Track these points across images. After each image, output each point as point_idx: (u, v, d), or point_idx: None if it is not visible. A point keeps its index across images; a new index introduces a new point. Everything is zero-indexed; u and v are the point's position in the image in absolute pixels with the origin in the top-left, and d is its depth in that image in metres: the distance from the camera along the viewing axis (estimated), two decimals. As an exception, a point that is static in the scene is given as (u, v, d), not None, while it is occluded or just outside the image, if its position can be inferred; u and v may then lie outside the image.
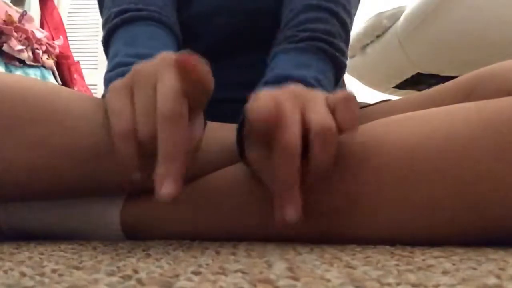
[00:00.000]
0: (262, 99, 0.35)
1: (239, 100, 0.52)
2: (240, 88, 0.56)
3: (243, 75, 0.57)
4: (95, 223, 0.45)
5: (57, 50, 1.84)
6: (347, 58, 0.53)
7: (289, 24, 0.52)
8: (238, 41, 0.60)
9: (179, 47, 0.55)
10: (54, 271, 0.25)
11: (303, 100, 0.37)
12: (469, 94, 0.45)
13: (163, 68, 0.35)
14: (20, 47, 1.60)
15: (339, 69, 0.51)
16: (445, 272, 0.24)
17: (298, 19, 0.51)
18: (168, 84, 0.34)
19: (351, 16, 0.55)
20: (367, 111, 0.56)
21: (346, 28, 0.53)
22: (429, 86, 0.53)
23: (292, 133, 0.34)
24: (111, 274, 0.24)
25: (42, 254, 0.33)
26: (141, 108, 0.35)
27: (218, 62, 0.61)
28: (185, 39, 0.59)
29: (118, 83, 0.37)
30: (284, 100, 0.36)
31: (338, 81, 0.53)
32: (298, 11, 0.52)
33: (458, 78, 0.50)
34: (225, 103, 0.54)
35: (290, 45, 0.50)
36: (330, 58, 0.50)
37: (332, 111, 0.36)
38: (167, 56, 0.36)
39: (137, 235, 0.45)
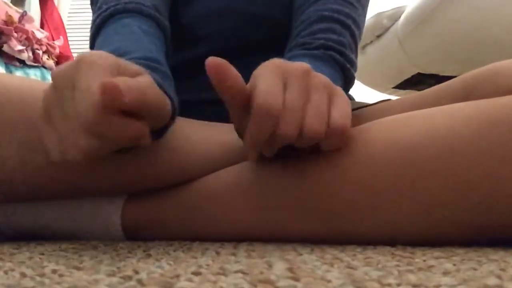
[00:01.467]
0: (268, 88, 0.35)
1: None
2: None
3: (243, 77, 0.57)
4: (95, 223, 0.45)
5: (57, 51, 1.84)
6: (356, 71, 0.53)
7: (302, 33, 0.52)
8: (238, 43, 0.60)
9: (164, 34, 0.53)
10: (54, 271, 0.25)
11: (308, 91, 0.37)
12: (468, 93, 0.45)
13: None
14: (20, 47, 1.60)
15: (348, 80, 0.51)
16: (445, 273, 0.24)
17: (311, 29, 0.52)
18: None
19: (360, 29, 0.55)
20: (366, 111, 0.56)
21: (355, 40, 0.53)
22: (429, 86, 0.53)
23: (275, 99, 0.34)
24: (111, 274, 0.24)
25: (43, 254, 0.33)
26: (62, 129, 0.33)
27: None
28: (186, 41, 0.59)
29: (46, 91, 0.35)
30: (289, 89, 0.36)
31: (346, 92, 0.53)
32: (311, 22, 0.53)
33: (457, 77, 0.50)
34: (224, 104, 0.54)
35: (305, 51, 0.50)
36: (341, 68, 0.50)
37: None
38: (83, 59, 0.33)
39: (138, 235, 0.45)
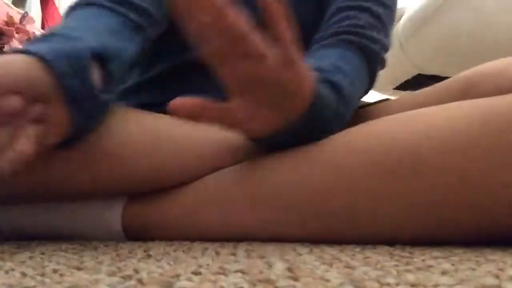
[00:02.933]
0: None
1: None
2: None
3: None
4: (96, 225, 0.45)
5: (58, 51, 1.84)
6: (385, 48, 0.53)
7: (320, 31, 0.53)
8: None
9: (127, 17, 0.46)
10: (55, 271, 0.25)
11: None
12: (467, 92, 0.45)
13: None
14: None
15: (370, 57, 0.51)
16: (444, 273, 0.24)
17: (327, 24, 0.53)
18: None
19: (388, 7, 0.55)
20: (366, 110, 0.56)
21: (380, 19, 0.53)
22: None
23: None
24: (111, 274, 0.24)
25: (43, 254, 0.33)
26: None
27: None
28: (189, 43, 0.59)
29: None
30: None
31: (375, 69, 0.53)
32: (329, 17, 0.53)
33: (456, 75, 0.50)
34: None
35: (317, 45, 0.51)
36: (358, 47, 0.50)
37: None
38: None
39: (138, 236, 0.45)
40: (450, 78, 0.50)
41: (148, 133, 0.44)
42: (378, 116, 0.43)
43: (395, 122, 0.40)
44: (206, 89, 0.59)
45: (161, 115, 0.48)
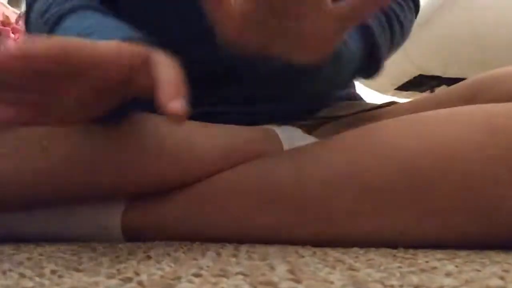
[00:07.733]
0: None
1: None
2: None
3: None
4: (95, 226, 0.45)
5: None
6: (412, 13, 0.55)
7: None
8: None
9: None
10: (53, 272, 0.25)
11: None
12: (473, 98, 0.45)
13: None
14: (19, 48, 1.60)
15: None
16: (448, 274, 0.24)
17: None
18: None
19: None
20: (374, 113, 0.56)
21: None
22: (431, 87, 0.53)
23: None
24: (111, 276, 0.24)
25: (42, 255, 0.33)
26: None
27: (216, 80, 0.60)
28: (191, 55, 0.58)
29: None
30: None
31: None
32: None
33: (462, 82, 0.50)
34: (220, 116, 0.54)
35: None
36: None
37: None
38: None
39: (138, 238, 0.45)
40: (460, 82, 0.50)
41: (149, 137, 0.44)
42: (384, 119, 0.43)
43: (400, 126, 0.40)
44: (203, 99, 0.59)
45: (161, 118, 0.47)
